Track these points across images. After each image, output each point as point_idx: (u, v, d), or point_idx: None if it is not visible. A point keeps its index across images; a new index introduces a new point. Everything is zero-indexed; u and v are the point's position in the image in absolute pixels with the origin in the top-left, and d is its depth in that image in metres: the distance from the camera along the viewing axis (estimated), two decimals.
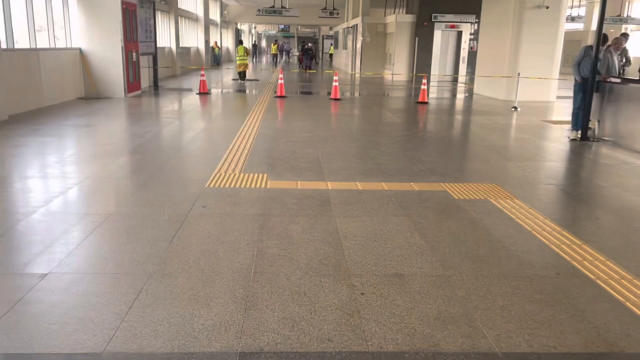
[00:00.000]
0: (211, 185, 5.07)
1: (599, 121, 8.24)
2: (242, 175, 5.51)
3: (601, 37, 7.88)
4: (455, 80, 22.17)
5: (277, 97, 13.96)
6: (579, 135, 8.31)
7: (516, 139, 8.55)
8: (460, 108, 13.15)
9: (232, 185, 5.09)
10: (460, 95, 16.58)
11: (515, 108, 12.17)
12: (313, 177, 5.51)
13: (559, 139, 8.48)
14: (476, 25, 21.80)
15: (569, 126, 9.60)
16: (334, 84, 13.91)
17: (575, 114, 8.50)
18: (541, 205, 4.66)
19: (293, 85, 19.00)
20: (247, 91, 16.58)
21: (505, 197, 4.90)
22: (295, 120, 9.95)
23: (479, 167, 6.22)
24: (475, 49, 21.98)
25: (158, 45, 17.26)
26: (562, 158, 7.14)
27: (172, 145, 7.28)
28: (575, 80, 8.45)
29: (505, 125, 10.13)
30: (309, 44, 29.65)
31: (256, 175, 5.52)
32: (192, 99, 13.46)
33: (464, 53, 22.30)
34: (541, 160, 6.93)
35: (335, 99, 13.74)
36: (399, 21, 22.15)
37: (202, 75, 14.70)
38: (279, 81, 14.15)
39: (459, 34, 22.28)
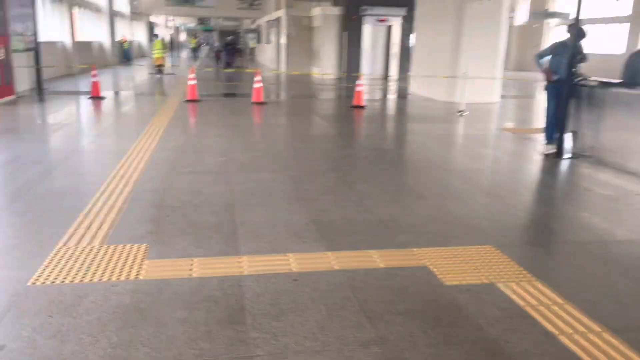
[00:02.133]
0: (37, 283, 2.95)
1: (575, 133, 6.84)
2: (102, 250, 3.42)
3: (579, 33, 6.45)
4: (386, 77, 20.79)
5: (188, 101, 11.73)
6: (554, 150, 6.88)
7: (482, 158, 7.00)
8: (402, 113, 11.59)
9: (75, 280, 2.99)
10: (397, 97, 15.09)
11: (462, 112, 10.75)
12: (221, 247, 3.54)
13: (530, 156, 7.02)
14: (409, 19, 20.52)
15: (532, 136, 8.23)
16: (255, 85, 11.89)
17: (549, 124, 7.06)
18: (584, 295, 2.97)
19: (209, 86, 16.72)
20: (154, 93, 14.17)
21: (517, 275, 3.19)
22: (206, 134, 7.86)
23: (457, 210, 4.51)
24: (407, 45, 20.72)
25: (45, 39, 14.40)
26: (552, 185, 5.62)
27: (5, 191, 4.93)
28: (547, 83, 7.01)
29: (460, 136, 8.62)
30: (230, 38, 26.97)
31: (128, 249, 3.45)
32: (80, 106, 10.94)
33: (395, 49, 20.96)
34: (528, 191, 5.37)
35: (259, 103, 11.73)
36: (325, 14, 20.43)
37: (94, 75, 12.11)
38: (190, 82, 11.91)
39: (389, 28, 20.91)
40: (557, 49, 6.81)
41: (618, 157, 6.19)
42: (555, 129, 7.07)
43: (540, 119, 10.39)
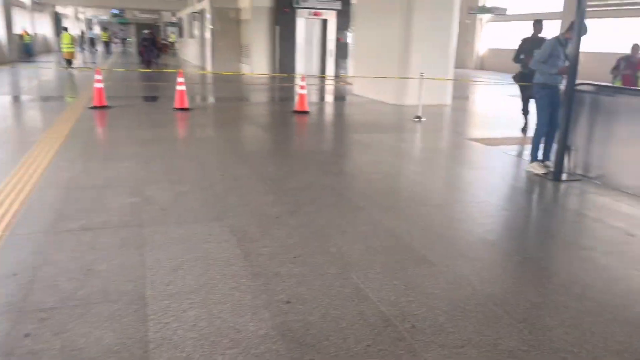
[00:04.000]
0: None
1: (570, 149, 5.69)
2: None
3: (582, 25, 5.25)
4: (324, 77, 19.37)
5: (94, 108, 9.65)
6: (548, 170, 5.70)
7: (466, 183, 5.68)
8: (353, 120, 10.15)
9: None
10: (342, 100, 13.68)
11: (420, 118, 9.51)
12: None
13: (517, 177, 5.80)
14: (344, 13, 19.21)
15: (506, 148, 7.08)
16: (178, 87, 10.02)
17: (540, 138, 5.87)
18: None
19: (123, 88, 14.54)
20: (52, 97, 11.87)
21: None
22: (113, 157, 6.00)
23: (478, 283, 3.09)
24: (343, 40, 19.42)
25: None
26: (577, 232, 4.35)
27: None
28: (539, 88, 5.80)
29: (428, 151, 7.30)
30: (147, 32, 24.16)
31: None
32: None
33: (331, 45, 19.59)
34: (557, 243, 4.06)
35: (182, 110, 9.87)
36: (254, 6, 18.66)
37: None
38: (96, 84, 9.82)
39: (324, 22, 19.50)
40: (554, 48, 5.60)
41: (629, 179, 5.07)
42: (549, 144, 5.91)
43: (502, 125, 9.36)
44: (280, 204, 4.48)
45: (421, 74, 9.78)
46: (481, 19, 28.17)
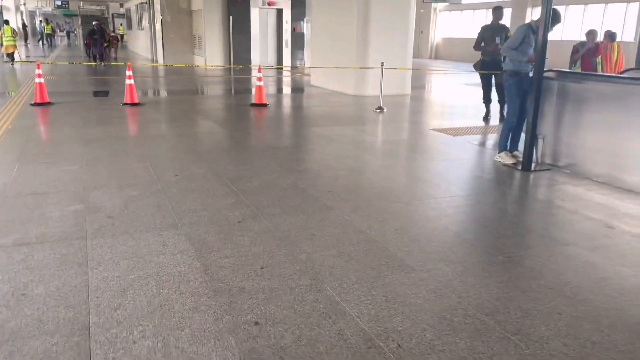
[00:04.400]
0: None
1: (539, 138, 5.56)
2: None
3: (550, 12, 5.09)
4: (281, 68, 18.93)
5: (35, 104, 8.95)
6: (517, 160, 5.56)
7: (435, 176, 5.47)
8: (314, 113, 9.81)
9: None
10: (300, 91, 13.31)
11: (381, 109, 9.29)
12: None
13: (486, 168, 5.63)
14: (299, 2, 18.80)
15: (470, 138, 6.94)
16: (127, 81, 9.42)
17: (511, 128, 5.71)
18: None
19: (69, 82, 13.72)
20: None
21: None
22: (53, 160, 5.46)
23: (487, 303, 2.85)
24: (299, 30, 19.04)
25: None
26: (559, 224, 4.18)
27: None
28: (508, 76, 5.63)
29: (394, 142, 7.06)
30: (95, 23, 22.63)
31: None
32: None
33: (286, 36, 19.15)
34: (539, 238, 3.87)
35: (132, 105, 9.30)
36: None
37: None
38: (37, 79, 9.10)
39: (280, 12, 19.02)
40: (527, 35, 5.42)
41: (599, 167, 4.98)
42: (518, 133, 5.77)
43: (464, 115, 9.26)
44: (242, 206, 4.12)
45: (382, 64, 9.54)
46: (435, 9, 28.31)
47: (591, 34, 9.52)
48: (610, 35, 9.60)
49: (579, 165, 5.22)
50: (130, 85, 9.37)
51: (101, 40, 19.82)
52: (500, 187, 4.96)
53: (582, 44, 9.56)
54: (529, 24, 5.54)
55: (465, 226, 3.85)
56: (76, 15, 52.93)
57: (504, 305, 2.65)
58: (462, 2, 24.75)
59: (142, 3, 24.65)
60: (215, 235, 3.51)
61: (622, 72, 6.68)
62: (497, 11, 8.27)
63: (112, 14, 48.07)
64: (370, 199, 4.38)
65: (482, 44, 8.32)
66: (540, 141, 5.55)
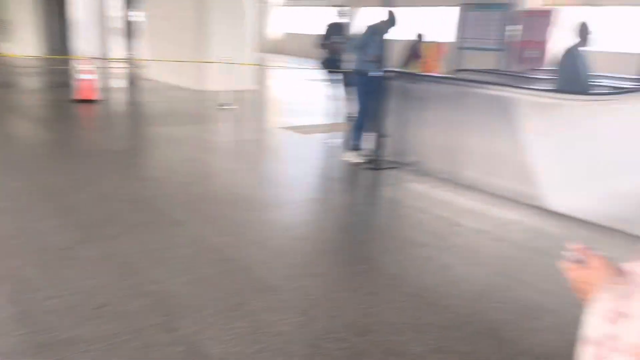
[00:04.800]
0: None
1: (385, 137, 5.73)
2: None
3: (392, 15, 5.22)
4: (110, 59, 17.27)
5: None
6: (365, 159, 5.66)
7: (289, 179, 5.29)
8: (152, 110, 9.01)
9: None
10: (136, 85, 12.21)
11: (225, 105, 8.89)
12: None
13: (338, 168, 5.63)
14: None
15: (320, 136, 6.97)
16: None
17: (356, 126, 5.77)
18: None
19: None
20: None
21: None
22: None
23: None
24: (131, 18, 17.58)
25: None
26: (410, 222, 4.25)
27: None
28: (355, 75, 5.67)
29: (243, 143, 6.74)
30: None
31: None
32: None
33: (117, 23, 17.53)
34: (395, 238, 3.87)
35: None
36: None
37: None
38: None
39: None
40: (371, 36, 5.48)
41: (441, 164, 5.27)
42: (365, 132, 5.86)
43: (311, 112, 9.31)
44: (70, 228, 3.47)
45: (223, 58, 9.12)
46: (268, 2, 28.42)
47: (418, 35, 10.25)
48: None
49: (424, 163, 5.47)
50: None
51: None
52: (354, 189, 4.97)
53: (411, 44, 10.24)
54: (373, 25, 5.64)
55: (326, 234, 3.72)
56: None
57: (375, 323, 2.54)
58: None
59: None
60: (36, 269, 2.87)
61: (455, 72, 7.22)
62: (340, 10, 8.39)
63: None
64: (224, 210, 4.03)
65: (327, 42, 8.39)
66: (386, 140, 5.70)
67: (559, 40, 14.16)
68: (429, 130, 5.44)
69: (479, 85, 5.08)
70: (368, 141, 5.75)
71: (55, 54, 15.68)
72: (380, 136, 5.50)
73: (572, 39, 5.20)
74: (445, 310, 2.70)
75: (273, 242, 3.47)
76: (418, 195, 4.69)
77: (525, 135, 4.52)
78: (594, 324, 0.70)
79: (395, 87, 5.59)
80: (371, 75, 5.60)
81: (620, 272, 0.76)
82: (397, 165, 5.64)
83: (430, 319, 2.60)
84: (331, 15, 8.78)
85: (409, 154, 5.65)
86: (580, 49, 5.13)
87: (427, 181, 5.09)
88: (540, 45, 13.94)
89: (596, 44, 5.20)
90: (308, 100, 10.97)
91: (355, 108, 5.84)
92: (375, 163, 5.49)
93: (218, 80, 10.03)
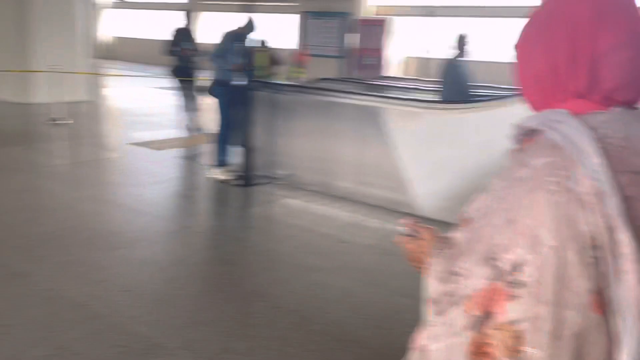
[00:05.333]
0: None
1: (253, 150, 5.44)
2: None
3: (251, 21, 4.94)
4: None
5: None
6: (233, 175, 5.30)
7: (153, 205, 4.68)
8: None
9: None
10: None
11: (59, 120, 7.79)
12: None
13: (204, 187, 5.19)
14: None
15: (176, 152, 6.47)
16: None
17: (220, 141, 5.37)
18: None
19: None
20: None
21: None
22: None
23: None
24: None
25: None
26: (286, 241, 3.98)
27: None
28: (217, 85, 5.26)
29: (90, 164, 5.89)
30: None
31: None
32: None
33: None
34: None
35: None
36: None
37: None
38: None
39: None
40: (229, 43, 5.12)
41: (313, 176, 5.16)
42: (228, 146, 5.50)
43: (161, 124, 8.62)
44: None
45: (52, 66, 7.98)
46: (95, 4, 26.21)
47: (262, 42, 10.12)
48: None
49: (295, 176, 5.29)
50: None
51: None
52: (226, 210, 4.59)
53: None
54: (234, 32, 5.29)
55: (206, 268, 3.31)
56: None
57: None
58: (129, 0, 23.60)
59: None
60: None
61: (318, 81, 7.18)
62: (187, 15, 7.87)
63: None
64: (80, 250, 3.38)
65: (177, 48, 7.78)
66: (254, 153, 5.40)
67: (392, 48, 15.21)
68: (298, 141, 5.29)
69: (347, 95, 5.06)
70: (235, 155, 5.41)
71: None
72: (248, 150, 5.19)
73: (451, 51, 5.45)
74: (358, 346, 2.51)
75: (148, 286, 2.97)
76: (296, 212, 4.48)
77: (392, 143, 4.59)
78: (432, 285, 0.78)
79: (260, 97, 5.33)
80: (233, 85, 5.26)
81: (445, 240, 0.85)
82: (268, 179, 5.38)
83: (347, 358, 2.39)
84: (177, 19, 8.21)
85: (279, 167, 5.43)
86: (460, 59, 5.40)
87: (301, 195, 4.92)
88: (377, 52, 14.81)
89: (474, 55, 5.54)
90: (155, 112, 10.17)
91: (218, 120, 5.43)
92: (244, 179, 5.17)
93: (46, 91, 8.80)
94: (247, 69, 5.04)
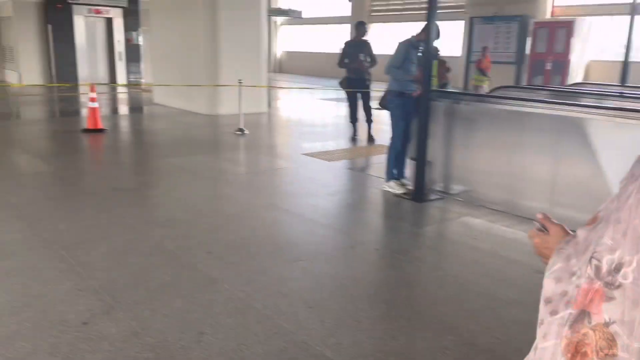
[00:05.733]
0: None
1: (425, 163, 5.15)
2: None
3: (435, 28, 4.69)
4: (114, 84, 16.86)
5: None
6: (407, 189, 5.09)
7: (333, 218, 4.69)
8: (165, 138, 8.44)
9: None
10: (143, 111, 11.70)
11: (242, 131, 8.37)
12: None
13: (378, 201, 5.05)
14: (132, 11, 16.98)
15: (347, 163, 6.43)
16: None
17: (394, 153, 5.20)
18: None
19: None
20: None
21: None
22: None
23: None
24: (133, 42, 17.22)
25: None
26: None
27: None
28: (393, 97, 5.12)
29: (269, 173, 6.18)
30: None
31: None
32: None
33: (120, 47, 17.14)
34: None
35: None
36: (18, 1, 15.23)
37: None
38: None
39: (109, 21, 16.96)
40: (409, 52, 4.95)
41: (495, 193, 4.70)
42: (403, 158, 5.29)
43: (331, 135, 8.78)
44: (87, 293, 2.88)
45: (239, 81, 8.62)
46: (276, 22, 28.21)
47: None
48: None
49: (473, 192, 4.89)
50: None
51: None
52: (403, 226, 4.37)
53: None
54: (409, 40, 5.10)
55: (391, 290, 3.12)
56: None
57: None
58: (303, 16, 24.94)
59: None
60: (50, 356, 2.28)
61: (492, 90, 6.68)
62: (360, 26, 7.91)
63: None
64: (264, 261, 3.44)
65: (346, 61, 7.87)
66: (429, 167, 5.13)
67: (578, 52, 13.69)
68: (479, 154, 4.88)
69: (540, 104, 4.52)
70: (408, 169, 5.20)
71: (61, 80, 15.25)
72: (422, 163, 4.93)
73: None
74: None
75: (331, 304, 2.88)
76: (478, 233, 4.09)
77: (597, 159, 3.96)
78: (547, 284, 0.79)
79: (437, 107, 5.04)
80: (410, 96, 5.05)
81: (570, 238, 0.83)
82: (443, 195, 5.06)
83: None
84: (345, 32, 8.29)
85: (456, 182, 5.08)
86: None
87: (482, 214, 4.50)
88: (562, 57, 13.45)
89: None
90: (325, 123, 10.46)
91: (392, 132, 5.27)
92: (418, 193, 4.92)
93: (230, 103, 9.57)
94: (426, 78, 4.79)
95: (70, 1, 15.65)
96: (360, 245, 3.79)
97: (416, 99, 5.03)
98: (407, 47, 4.96)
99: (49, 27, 15.52)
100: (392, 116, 5.18)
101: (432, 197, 5.01)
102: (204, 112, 10.39)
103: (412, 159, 5.19)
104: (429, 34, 4.63)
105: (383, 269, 3.41)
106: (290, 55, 29.08)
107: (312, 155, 6.88)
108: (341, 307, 2.85)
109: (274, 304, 2.84)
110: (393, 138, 5.19)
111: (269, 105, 11.44)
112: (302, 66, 27.55)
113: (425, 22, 4.78)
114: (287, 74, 26.69)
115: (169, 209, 4.52)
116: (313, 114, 12.09)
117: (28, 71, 15.60)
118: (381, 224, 4.45)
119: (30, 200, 4.66)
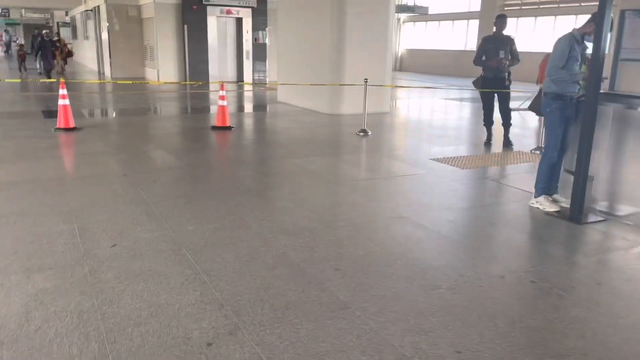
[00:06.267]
0: None
1: (585, 178, 4.38)
2: None
3: (610, 20, 3.93)
4: (242, 82, 17.48)
5: None
6: (560, 207, 4.37)
7: (484, 238, 4.16)
8: (288, 138, 8.37)
9: None
10: (267, 110, 11.87)
11: (365, 132, 8.03)
12: None
13: (527, 219, 4.40)
14: (260, 11, 17.45)
15: (483, 171, 5.78)
16: (61, 101, 7.81)
17: (547, 164, 4.51)
18: None
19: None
20: None
21: None
22: None
23: None
24: (260, 41, 17.69)
25: None
26: None
27: None
28: (550, 100, 4.43)
29: (398, 179, 5.76)
30: (46, 32, 19.31)
31: None
32: None
33: (247, 46, 17.73)
34: None
35: (67, 130, 7.71)
36: (158, 3, 16.35)
37: None
38: None
39: (239, 21, 17.60)
40: (572, 48, 4.24)
41: None
42: (557, 171, 4.57)
43: (461, 138, 8.12)
44: (212, 308, 2.69)
45: (365, 80, 8.28)
46: (399, 19, 27.59)
47: None
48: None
49: None
50: (65, 106, 7.76)
51: (49, 50, 17.30)
52: (558, 252, 3.71)
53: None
54: (571, 34, 4.37)
55: (562, 342, 2.54)
56: (18, 24, 49.66)
57: None
58: (429, 12, 24.06)
59: (87, 11, 22.69)
60: None
61: None
62: (500, 20, 7.16)
63: (57, 23, 45.27)
64: (397, 284, 3.04)
65: (484, 58, 7.17)
66: (589, 183, 4.36)
67: None
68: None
69: None
70: (565, 184, 4.48)
71: (193, 77, 16.11)
72: (582, 177, 4.19)
73: None
74: None
75: (480, 350, 2.39)
76: None
77: None
78: None
79: (607, 113, 4.26)
80: (571, 99, 4.33)
81: None
82: (606, 217, 4.27)
83: None
84: (472, 29, 7.55)
85: (624, 201, 4.26)
86: None
87: None
88: None
89: None
90: (454, 124, 9.78)
91: (547, 140, 4.58)
92: (575, 213, 4.19)
93: (353, 103, 9.32)
94: (596, 78, 4.04)
95: (205, 2, 16.45)
96: (511, 274, 3.23)
97: (577, 103, 4.31)
98: (570, 42, 4.24)
99: (185, 27, 16.45)
100: (549, 122, 4.49)
101: (592, 218, 4.25)
102: (327, 111, 10.23)
103: (568, 171, 4.47)
104: (601, 24, 3.89)
105: (544, 309, 2.83)
106: (411, 52, 28.31)
107: (442, 161, 6.33)
108: (497, 358, 2.35)
109: (414, 343, 2.42)
110: (548, 147, 4.49)
111: (390, 105, 11.00)
112: (423, 64, 26.69)
113: (594, 12, 4.05)
114: (408, 72, 25.98)
115: (292, 215, 4.28)
116: (437, 114, 11.43)
117: (165, 68, 16.69)
118: (533, 248, 3.82)
119: (161, 196, 4.70)
